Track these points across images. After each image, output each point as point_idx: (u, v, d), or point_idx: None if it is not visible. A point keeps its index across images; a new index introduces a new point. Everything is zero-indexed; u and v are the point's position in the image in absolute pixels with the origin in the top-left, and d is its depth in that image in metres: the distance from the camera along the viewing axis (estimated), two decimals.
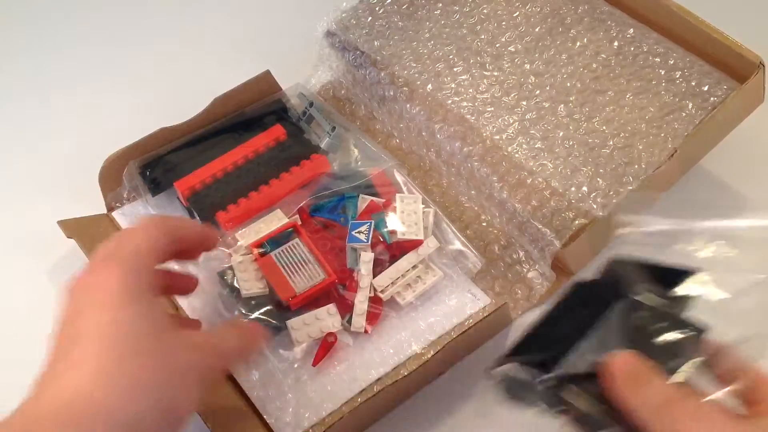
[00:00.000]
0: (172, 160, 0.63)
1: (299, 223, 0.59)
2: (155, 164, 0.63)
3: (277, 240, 0.57)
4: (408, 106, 0.64)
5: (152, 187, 0.63)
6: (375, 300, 0.56)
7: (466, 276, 0.58)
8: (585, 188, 0.57)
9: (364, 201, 0.61)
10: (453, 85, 0.64)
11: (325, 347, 0.54)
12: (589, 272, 0.57)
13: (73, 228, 0.61)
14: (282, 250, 0.56)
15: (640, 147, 0.58)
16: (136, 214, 0.64)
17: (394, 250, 0.58)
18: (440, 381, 0.55)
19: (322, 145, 0.66)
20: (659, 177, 0.57)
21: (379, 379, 0.53)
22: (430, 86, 0.64)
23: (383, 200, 0.61)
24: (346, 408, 0.52)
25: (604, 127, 0.60)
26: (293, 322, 0.54)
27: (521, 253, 0.59)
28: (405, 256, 0.57)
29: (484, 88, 0.64)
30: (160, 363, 0.39)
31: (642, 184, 0.56)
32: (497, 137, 0.61)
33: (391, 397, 0.52)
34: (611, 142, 0.59)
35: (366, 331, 0.55)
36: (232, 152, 0.63)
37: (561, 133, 0.60)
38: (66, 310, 0.41)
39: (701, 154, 0.63)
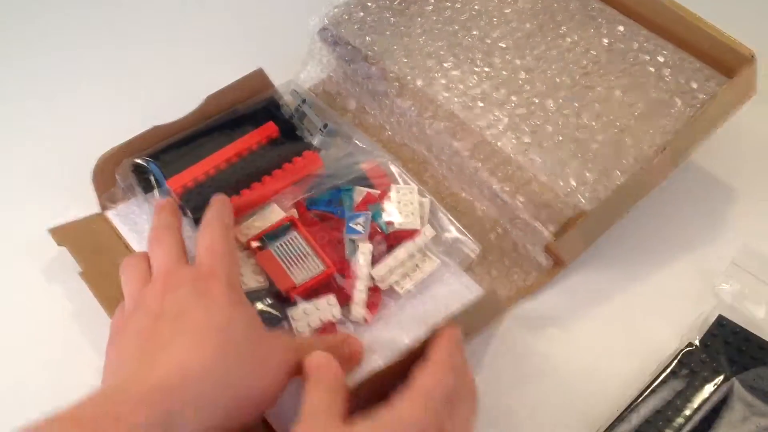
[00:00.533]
0: (165, 158, 0.64)
1: (296, 216, 0.60)
2: (149, 163, 0.63)
3: (274, 234, 0.58)
4: (399, 101, 0.65)
5: (146, 185, 0.63)
6: (374, 290, 0.57)
7: (461, 264, 0.59)
8: (573, 182, 0.57)
9: (360, 193, 0.61)
10: (443, 81, 0.65)
11: None
12: (582, 264, 0.59)
13: (64, 234, 0.61)
14: (280, 244, 0.57)
15: (629, 142, 0.59)
16: (130, 213, 0.64)
17: (391, 240, 0.59)
18: None
19: (315, 143, 0.67)
20: (650, 172, 0.58)
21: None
22: (420, 81, 0.65)
23: (378, 192, 0.61)
24: None
25: (593, 123, 0.60)
26: (294, 313, 0.54)
27: (517, 242, 0.60)
28: (402, 246, 0.58)
29: (475, 83, 0.64)
30: (261, 356, 0.44)
31: (629, 179, 0.56)
32: (487, 132, 0.61)
33: (377, 389, 0.52)
34: (600, 137, 0.59)
35: (366, 321, 0.56)
36: (224, 150, 0.63)
37: (550, 128, 0.60)
38: (160, 306, 0.45)
39: (692, 150, 0.63)
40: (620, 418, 0.50)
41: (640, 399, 0.51)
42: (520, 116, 0.62)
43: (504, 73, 0.64)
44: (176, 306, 0.45)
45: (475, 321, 0.56)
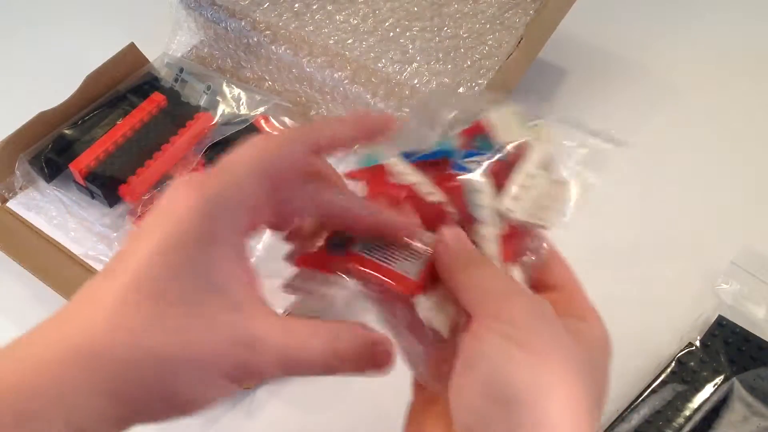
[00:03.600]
0: (61, 144, 0.65)
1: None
2: (46, 151, 0.64)
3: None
4: (273, 47, 0.68)
5: (49, 172, 0.64)
6: (511, 233, 0.38)
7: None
8: (448, 86, 0.63)
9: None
10: (313, 21, 0.69)
11: None
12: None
13: None
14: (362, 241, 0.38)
15: (490, 43, 0.65)
16: (32, 200, 0.65)
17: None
18: None
19: (202, 104, 0.69)
20: (511, 67, 0.64)
21: None
22: (292, 26, 0.69)
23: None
24: None
25: (455, 32, 0.66)
26: (423, 312, 0.37)
27: None
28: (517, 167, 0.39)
29: (343, 18, 0.69)
30: (188, 339, 0.29)
31: (498, 73, 0.63)
32: (363, 59, 0.66)
33: None
34: (462, 43, 0.66)
35: None
36: (118, 125, 0.65)
37: (419, 44, 0.66)
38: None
39: (541, 43, 0.71)
40: (620, 418, 0.50)
41: (641, 399, 0.50)
42: (390, 39, 0.67)
43: (367, 8, 0.70)
44: (148, 219, 0.31)
45: None
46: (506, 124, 0.41)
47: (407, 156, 0.40)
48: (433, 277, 0.37)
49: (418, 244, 0.37)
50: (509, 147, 0.39)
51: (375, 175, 0.39)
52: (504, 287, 0.34)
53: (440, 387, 0.35)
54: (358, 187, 0.40)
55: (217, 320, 0.30)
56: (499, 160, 0.39)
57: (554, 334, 0.32)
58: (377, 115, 0.38)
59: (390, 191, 0.39)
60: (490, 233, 0.37)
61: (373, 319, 0.36)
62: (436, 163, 0.40)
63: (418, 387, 0.38)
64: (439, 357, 0.36)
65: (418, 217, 0.38)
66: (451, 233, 0.35)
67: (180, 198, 0.31)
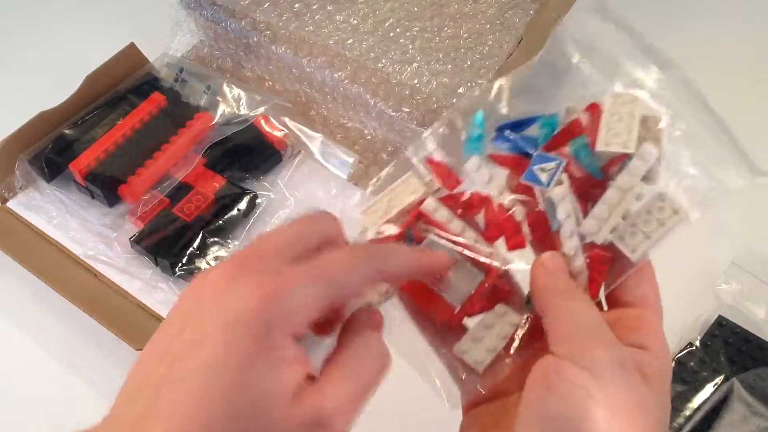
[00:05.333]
0: (61, 144, 0.65)
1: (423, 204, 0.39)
2: (46, 151, 0.64)
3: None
4: (273, 47, 0.68)
5: (49, 172, 0.64)
6: (594, 258, 0.36)
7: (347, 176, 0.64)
8: (448, 86, 0.63)
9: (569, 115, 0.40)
10: (313, 21, 0.69)
11: None
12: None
13: None
14: None
15: (490, 43, 0.66)
16: (32, 201, 0.65)
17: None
18: None
19: (202, 104, 0.69)
20: (511, 67, 0.64)
21: None
22: (292, 26, 0.69)
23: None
24: None
25: (455, 32, 0.67)
26: (461, 346, 0.37)
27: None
28: (614, 183, 0.36)
29: (342, 18, 0.69)
30: None
31: (498, 73, 0.63)
32: (363, 58, 0.66)
33: None
34: (462, 43, 0.66)
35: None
36: (118, 125, 0.65)
37: (419, 44, 0.66)
38: (202, 304, 0.33)
39: (542, 42, 0.71)
40: None
41: None
42: (390, 39, 0.67)
43: (367, 8, 0.70)
44: (210, 319, 0.32)
45: None
46: (616, 121, 0.38)
47: (500, 132, 0.39)
48: (483, 302, 0.37)
49: (475, 270, 0.37)
50: (604, 154, 0.37)
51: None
52: (592, 327, 0.33)
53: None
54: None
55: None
56: (588, 172, 0.37)
57: (631, 386, 0.32)
58: (438, 256, 0.37)
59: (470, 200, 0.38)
60: (572, 248, 0.35)
61: None
62: (517, 161, 0.38)
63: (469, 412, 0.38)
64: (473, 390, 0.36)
65: (492, 226, 0.37)
66: (550, 256, 0.35)
67: (242, 296, 0.31)
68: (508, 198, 0.37)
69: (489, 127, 0.39)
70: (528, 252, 0.37)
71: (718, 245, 0.58)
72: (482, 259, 0.37)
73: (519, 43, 0.63)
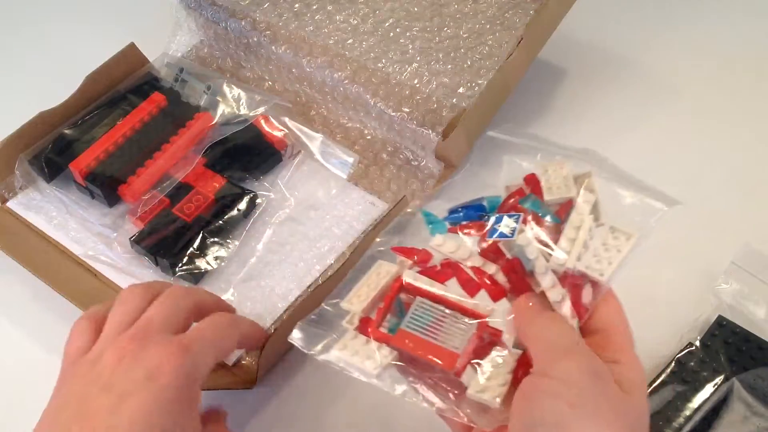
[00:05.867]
0: (61, 144, 0.65)
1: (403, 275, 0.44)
2: (46, 151, 0.64)
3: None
4: (273, 47, 0.68)
5: (49, 172, 0.64)
6: (572, 287, 0.40)
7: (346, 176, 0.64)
8: (449, 85, 0.64)
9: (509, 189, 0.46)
10: (313, 21, 0.69)
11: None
12: (469, 164, 0.65)
13: None
14: (412, 317, 0.42)
15: (490, 43, 0.66)
16: (32, 201, 0.65)
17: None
18: None
19: (202, 104, 0.69)
20: (511, 67, 0.64)
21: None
22: (292, 26, 0.69)
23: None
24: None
25: (455, 32, 0.67)
26: (475, 388, 0.39)
27: (408, 154, 0.65)
28: (567, 221, 0.42)
29: (342, 18, 0.69)
30: None
31: (498, 73, 0.63)
32: (363, 59, 0.66)
33: (321, 299, 0.56)
34: (462, 43, 0.66)
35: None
36: (118, 125, 0.65)
37: (418, 44, 0.66)
38: (112, 374, 0.39)
39: (541, 43, 0.71)
40: None
41: None
42: (390, 39, 0.67)
43: (367, 8, 0.70)
44: (126, 382, 0.39)
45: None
46: (553, 180, 0.44)
47: (452, 213, 0.45)
48: (479, 350, 0.40)
49: (465, 319, 0.41)
50: (552, 204, 0.43)
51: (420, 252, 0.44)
52: (565, 342, 0.36)
53: None
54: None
55: None
56: (547, 220, 0.42)
57: (605, 393, 0.34)
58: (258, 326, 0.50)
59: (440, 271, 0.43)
60: (549, 281, 0.39)
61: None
62: (477, 226, 0.44)
63: None
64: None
65: (470, 285, 0.42)
66: (525, 296, 0.39)
67: (155, 357, 0.40)
68: (477, 260, 0.42)
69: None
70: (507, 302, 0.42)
71: (718, 245, 0.58)
72: (470, 306, 0.41)
73: (519, 43, 0.63)
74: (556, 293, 0.39)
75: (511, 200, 0.44)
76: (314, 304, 0.56)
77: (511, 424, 0.35)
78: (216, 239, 0.60)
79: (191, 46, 0.76)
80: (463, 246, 0.43)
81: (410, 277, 0.43)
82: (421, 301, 0.42)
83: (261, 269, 0.60)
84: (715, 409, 0.49)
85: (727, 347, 0.52)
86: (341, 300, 0.44)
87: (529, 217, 0.41)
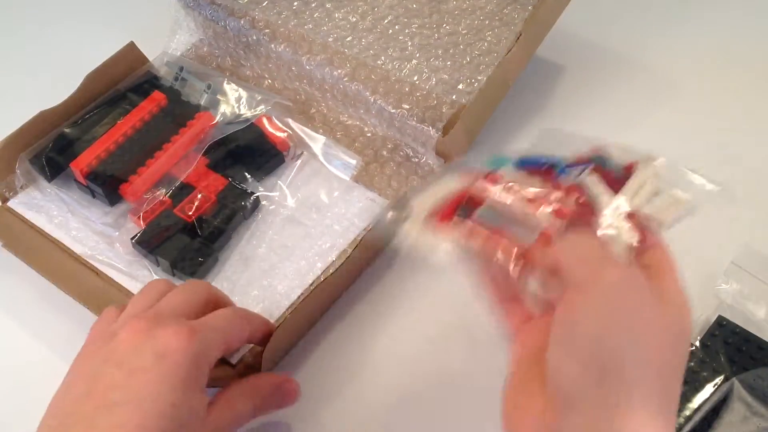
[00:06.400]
0: (61, 143, 0.65)
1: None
2: (46, 150, 0.65)
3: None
4: (273, 46, 0.68)
5: (50, 171, 0.64)
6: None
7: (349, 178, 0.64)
8: (449, 81, 0.64)
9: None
10: (312, 19, 0.69)
11: None
12: (469, 160, 0.65)
13: None
14: (479, 215, 0.43)
15: (489, 39, 0.66)
16: (33, 200, 0.65)
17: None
18: (363, 277, 0.61)
19: (203, 103, 0.69)
20: (510, 63, 0.65)
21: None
22: (291, 24, 0.69)
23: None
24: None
25: (454, 29, 0.67)
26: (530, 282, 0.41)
27: (408, 151, 0.66)
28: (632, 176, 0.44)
29: (341, 16, 0.69)
30: None
31: (497, 69, 0.63)
32: (362, 56, 0.66)
33: (323, 296, 0.57)
34: (461, 39, 0.66)
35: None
36: (119, 124, 0.65)
37: (417, 41, 0.67)
38: (123, 350, 0.42)
39: (540, 39, 0.71)
40: None
41: None
42: (389, 36, 0.67)
43: (365, 5, 0.70)
44: (137, 359, 0.41)
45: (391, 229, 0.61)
46: (616, 155, 0.45)
47: (522, 162, 0.45)
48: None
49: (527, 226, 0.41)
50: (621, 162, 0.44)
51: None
52: (600, 256, 0.36)
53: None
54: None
55: None
56: (610, 171, 0.43)
57: (642, 301, 0.34)
58: (267, 321, 0.53)
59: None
60: (612, 217, 0.41)
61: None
62: (544, 173, 0.44)
63: (517, 363, 0.40)
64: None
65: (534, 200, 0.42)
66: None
67: (165, 338, 0.41)
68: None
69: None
70: None
71: (718, 245, 0.58)
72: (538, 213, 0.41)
73: (518, 39, 0.63)
74: (623, 228, 0.40)
75: (580, 157, 0.45)
76: (317, 303, 0.57)
77: (552, 335, 0.35)
78: (217, 240, 0.61)
79: (191, 44, 0.76)
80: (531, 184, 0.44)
81: (479, 188, 0.43)
82: (490, 204, 0.43)
83: (263, 269, 0.60)
84: (715, 409, 0.49)
85: (727, 347, 0.52)
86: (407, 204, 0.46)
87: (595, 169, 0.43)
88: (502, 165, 0.46)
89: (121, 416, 0.39)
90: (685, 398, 0.50)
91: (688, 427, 0.49)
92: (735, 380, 0.50)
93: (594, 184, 0.42)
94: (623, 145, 0.45)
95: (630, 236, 0.40)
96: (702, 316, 0.55)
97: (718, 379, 0.51)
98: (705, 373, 0.51)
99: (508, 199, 0.43)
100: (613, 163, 0.44)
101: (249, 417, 0.48)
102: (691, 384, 0.51)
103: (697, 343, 0.53)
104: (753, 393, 0.49)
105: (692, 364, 0.52)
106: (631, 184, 0.43)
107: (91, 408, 0.40)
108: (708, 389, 0.50)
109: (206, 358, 0.43)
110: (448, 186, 0.45)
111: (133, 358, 0.41)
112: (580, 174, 0.43)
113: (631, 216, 0.41)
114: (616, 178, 0.43)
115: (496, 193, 0.43)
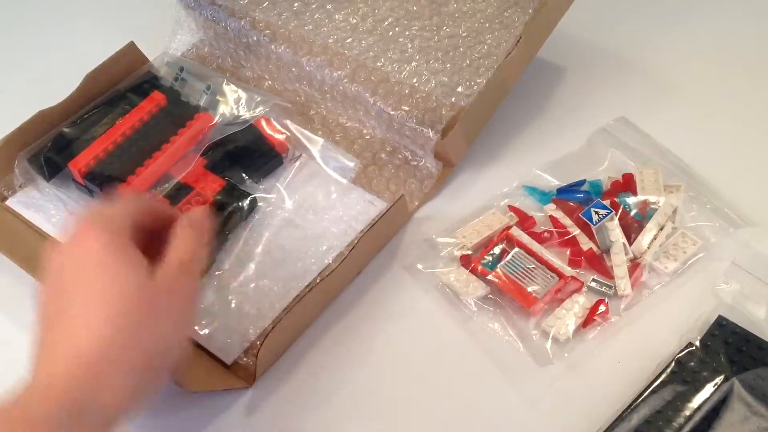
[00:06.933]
0: (60, 143, 0.65)
1: (511, 223, 0.60)
2: (45, 150, 0.64)
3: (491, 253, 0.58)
4: (273, 47, 0.68)
5: (48, 171, 0.64)
6: (634, 266, 0.57)
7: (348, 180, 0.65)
8: (448, 84, 0.64)
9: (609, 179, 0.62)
10: (312, 20, 0.69)
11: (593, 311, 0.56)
12: (467, 164, 0.66)
13: None
14: (508, 263, 0.57)
15: (489, 42, 0.66)
16: (31, 199, 0.65)
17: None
18: (359, 279, 0.61)
19: (202, 103, 0.69)
20: (510, 66, 0.64)
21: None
22: (291, 25, 0.69)
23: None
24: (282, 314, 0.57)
25: (454, 32, 0.67)
26: (548, 322, 0.55)
27: (407, 153, 0.66)
28: (652, 219, 0.58)
29: (342, 17, 0.69)
30: (158, 312, 0.43)
31: (497, 72, 0.63)
32: (362, 57, 0.66)
33: (319, 298, 0.57)
34: (461, 42, 0.66)
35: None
36: (118, 124, 0.65)
37: (417, 44, 0.66)
38: (51, 280, 0.45)
39: (540, 42, 0.71)
40: (620, 418, 0.50)
41: (640, 399, 0.50)
42: (389, 38, 0.67)
43: (366, 7, 0.70)
44: (58, 276, 0.45)
45: (389, 226, 0.61)
46: (646, 182, 0.60)
47: (561, 192, 0.61)
48: (554, 300, 0.56)
49: (551, 275, 0.56)
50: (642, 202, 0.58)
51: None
52: None
53: None
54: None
55: None
56: (632, 215, 0.58)
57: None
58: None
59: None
60: (620, 260, 0.56)
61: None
62: (573, 209, 0.60)
63: None
64: None
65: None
66: None
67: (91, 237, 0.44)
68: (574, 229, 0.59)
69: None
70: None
71: (718, 245, 0.58)
72: (557, 266, 0.56)
73: (518, 42, 0.63)
74: (621, 270, 0.56)
75: (612, 190, 0.61)
76: (313, 304, 0.57)
77: None
78: (215, 241, 0.60)
79: (191, 45, 0.76)
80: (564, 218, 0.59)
81: (517, 233, 0.58)
82: (519, 251, 0.57)
83: (260, 270, 0.60)
84: (715, 409, 0.49)
85: (727, 347, 0.52)
86: (450, 234, 0.60)
87: (619, 212, 0.57)
88: (546, 202, 0.61)
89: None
90: (685, 398, 0.50)
91: (688, 427, 0.49)
92: (735, 380, 0.50)
93: (612, 230, 0.57)
94: (653, 168, 0.60)
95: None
96: (702, 316, 0.55)
97: (718, 379, 0.51)
98: (705, 373, 0.51)
99: (535, 248, 0.57)
100: (632, 206, 0.58)
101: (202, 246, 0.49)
102: (691, 384, 0.51)
103: (697, 343, 0.53)
104: (753, 393, 0.50)
105: (692, 364, 0.52)
106: (649, 226, 0.57)
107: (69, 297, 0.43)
108: (708, 389, 0.50)
109: (119, 228, 0.45)
110: (490, 224, 0.59)
111: (69, 250, 0.45)
112: (602, 220, 0.56)
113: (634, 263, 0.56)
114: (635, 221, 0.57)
115: (526, 241, 0.57)
